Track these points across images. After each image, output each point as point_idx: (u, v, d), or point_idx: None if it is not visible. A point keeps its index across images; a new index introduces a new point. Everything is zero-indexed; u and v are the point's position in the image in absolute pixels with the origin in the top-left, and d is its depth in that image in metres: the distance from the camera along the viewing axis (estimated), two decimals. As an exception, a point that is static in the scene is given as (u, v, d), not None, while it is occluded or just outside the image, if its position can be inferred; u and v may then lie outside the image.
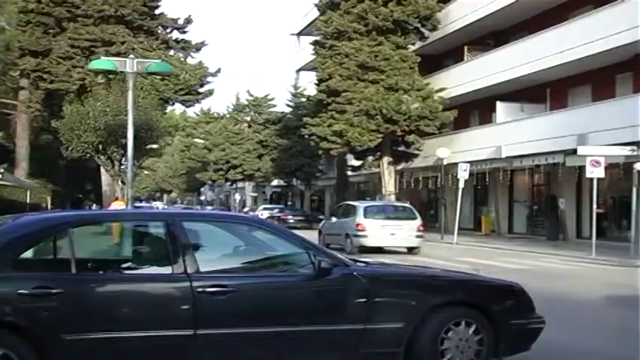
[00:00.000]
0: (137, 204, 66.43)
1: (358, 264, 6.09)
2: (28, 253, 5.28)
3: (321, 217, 39.65)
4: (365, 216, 21.07)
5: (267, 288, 5.64)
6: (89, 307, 5.06)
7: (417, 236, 21.18)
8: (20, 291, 4.86)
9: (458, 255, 20.62)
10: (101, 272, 5.63)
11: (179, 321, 5.21)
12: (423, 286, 6.09)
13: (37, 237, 5.36)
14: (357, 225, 20.69)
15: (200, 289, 5.21)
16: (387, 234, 20.71)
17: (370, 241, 20.56)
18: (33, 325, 4.83)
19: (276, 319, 5.46)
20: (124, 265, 5.82)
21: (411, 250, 21.07)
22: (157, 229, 5.76)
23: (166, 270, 5.36)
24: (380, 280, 5.96)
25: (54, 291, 4.93)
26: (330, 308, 5.67)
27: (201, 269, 5.35)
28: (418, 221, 21.52)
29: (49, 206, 31.46)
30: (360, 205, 22.51)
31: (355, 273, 5.74)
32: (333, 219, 23.64)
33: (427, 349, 5.69)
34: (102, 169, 32.03)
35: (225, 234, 6.07)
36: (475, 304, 5.99)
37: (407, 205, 24.29)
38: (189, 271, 5.26)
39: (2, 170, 23.57)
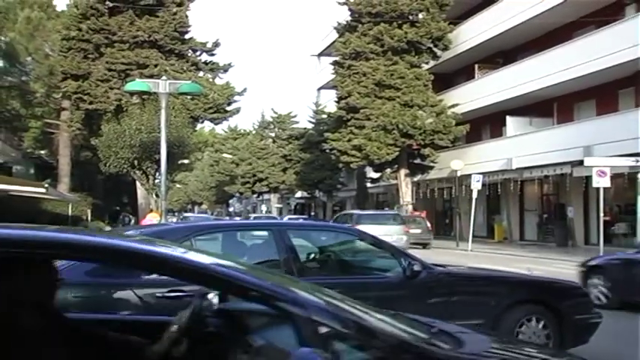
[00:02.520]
0: (187, 214, 66.95)
1: (437, 267, 6.32)
2: None
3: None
4: None
5: (366, 289, 5.78)
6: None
7: None
8: (156, 294, 5.11)
9: (474, 262, 20.49)
10: None
11: None
12: (498, 287, 6.35)
13: None
14: None
15: None
16: None
17: None
18: None
19: None
20: None
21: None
22: (266, 237, 5.99)
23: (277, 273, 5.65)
24: (461, 281, 6.23)
25: (184, 294, 5.13)
26: (421, 307, 5.83)
27: (307, 273, 5.56)
28: None
29: (89, 218, 31.79)
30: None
31: (439, 275, 5.99)
32: None
33: None
34: (137, 183, 32.31)
35: (326, 241, 6.38)
36: (544, 302, 6.26)
37: None
38: (296, 274, 5.41)
39: (46, 185, 23.86)
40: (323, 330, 2.12)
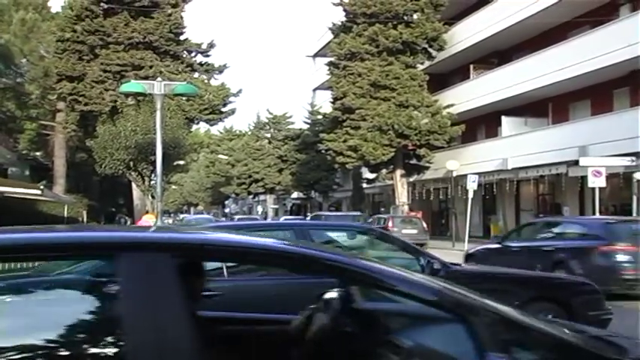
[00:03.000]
0: (183, 215, 66.74)
1: (454, 266, 6.48)
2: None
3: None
4: None
5: None
6: (238, 308, 5.34)
7: None
8: None
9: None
10: (247, 277, 5.89)
11: None
12: (514, 283, 6.48)
13: None
14: None
15: None
16: None
17: None
18: None
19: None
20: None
21: None
22: (288, 237, 6.05)
23: None
24: (477, 279, 6.36)
25: (212, 293, 5.22)
26: None
27: None
28: None
29: (84, 220, 31.68)
30: None
31: (457, 273, 6.14)
32: None
33: None
34: (133, 185, 32.22)
35: (346, 241, 6.57)
36: (556, 299, 6.40)
37: None
38: None
39: (42, 187, 23.77)
40: (499, 333, 2.04)
